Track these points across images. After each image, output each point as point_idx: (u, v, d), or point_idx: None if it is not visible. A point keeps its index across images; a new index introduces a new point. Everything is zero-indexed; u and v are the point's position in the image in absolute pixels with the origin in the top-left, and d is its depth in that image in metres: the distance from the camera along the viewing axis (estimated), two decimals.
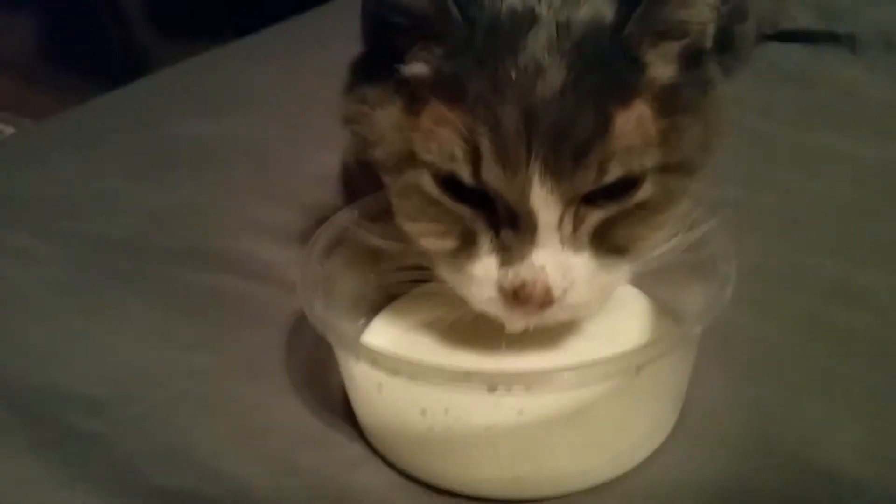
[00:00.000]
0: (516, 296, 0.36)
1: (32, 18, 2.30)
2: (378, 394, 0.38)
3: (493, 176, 0.35)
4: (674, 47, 0.38)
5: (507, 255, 0.36)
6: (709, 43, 0.40)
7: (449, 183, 0.37)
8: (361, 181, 0.56)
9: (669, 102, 0.37)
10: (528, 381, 0.34)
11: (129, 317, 0.52)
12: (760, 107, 0.73)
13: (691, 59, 0.39)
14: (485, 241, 0.37)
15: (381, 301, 0.47)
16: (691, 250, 0.41)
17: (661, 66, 0.37)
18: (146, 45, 2.44)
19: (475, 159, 0.35)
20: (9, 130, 1.95)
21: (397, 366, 0.34)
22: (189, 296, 0.53)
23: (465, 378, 0.33)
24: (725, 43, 0.78)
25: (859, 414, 0.41)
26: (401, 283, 0.46)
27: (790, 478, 0.38)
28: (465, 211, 0.37)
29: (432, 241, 0.39)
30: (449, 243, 0.38)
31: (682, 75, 0.38)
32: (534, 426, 0.36)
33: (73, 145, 0.78)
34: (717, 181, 0.58)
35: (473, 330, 0.41)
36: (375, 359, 0.34)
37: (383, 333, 0.44)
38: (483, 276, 0.37)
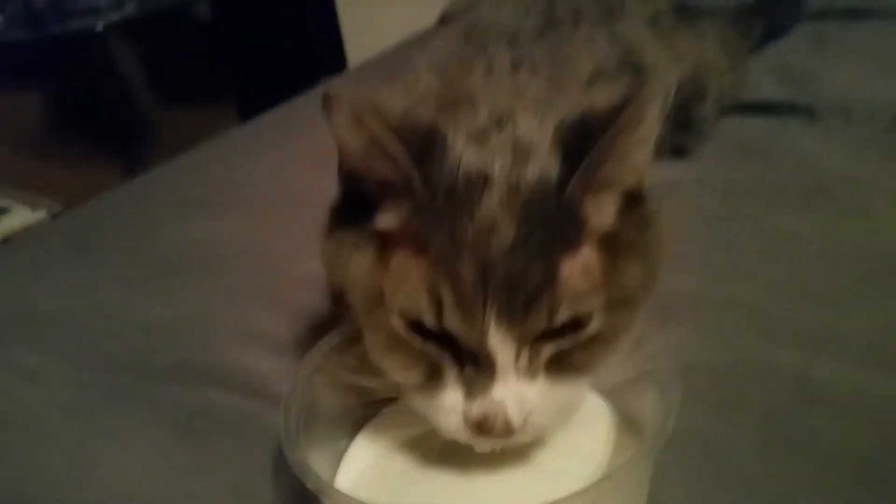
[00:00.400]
0: (480, 427, 0.40)
1: (39, 94, 2.37)
2: None
3: (454, 322, 0.39)
4: (613, 196, 0.42)
5: (471, 389, 0.40)
6: (647, 182, 0.44)
7: (416, 324, 0.41)
8: None
9: (612, 246, 0.41)
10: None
11: (131, 439, 0.55)
12: (722, 187, 0.77)
13: (631, 200, 0.43)
14: (450, 376, 0.41)
15: (364, 416, 0.50)
16: (643, 360, 0.44)
17: (602, 216, 0.41)
18: (149, 115, 2.51)
19: (438, 307, 0.39)
20: (19, 208, 2.01)
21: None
22: (186, 415, 0.56)
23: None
24: (685, 124, 0.83)
25: None
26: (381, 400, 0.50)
27: None
28: (431, 349, 0.41)
29: (402, 374, 0.43)
30: (417, 377, 0.42)
31: (623, 218, 0.42)
32: None
33: (74, 252, 0.82)
34: (677, 272, 0.62)
35: (449, 443, 0.44)
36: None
37: (363, 456, 0.47)
38: (450, 408, 0.41)
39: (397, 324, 0.41)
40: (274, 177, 0.94)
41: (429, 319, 0.40)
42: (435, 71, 0.66)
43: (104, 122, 2.32)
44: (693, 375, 0.51)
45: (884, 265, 0.63)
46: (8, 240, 1.77)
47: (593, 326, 0.41)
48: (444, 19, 1.47)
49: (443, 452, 0.45)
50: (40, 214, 1.97)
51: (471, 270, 0.38)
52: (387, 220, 0.42)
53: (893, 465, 0.46)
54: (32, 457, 0.55)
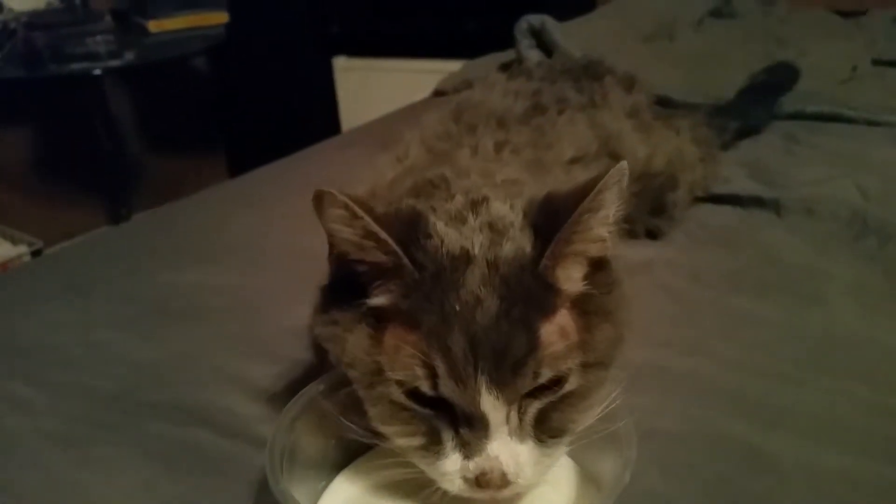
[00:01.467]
0: (478, 482, 0.44)
1: (30, 132, 2.40)
2: None
3: (448, 389, 0.43)
4: (581, 265, 0.47)
5: (468, 449, 0.44)
6: (610, 251, 0.49)
7: (413, 393, 0.45)
8: None
9: (582, 308, 0.46)
10: None
11: (115, 470, 0.57)
12: (689, 270, 0.82)
13: (597, 267, 0.48)
14: (448, 440, 0.45)
15: (342, 461, 0.53)
16: (604, 424, 0.48)
17: (572, 282, 0.46)
18: (137, 159, 2.55)
19: (433, 377, 0.43)
20: (5, 244, 2.02)
21: None
22: (170, 450, 0.59)
23: None
24: (658, 209, 0.88)
25: None
26: (358, 448, 0.53)
27: None
28: (429, 414, 0.45)
29: (403, 440, 0.46)
30: (417, 441, 0.46)
31: (591, 283, 0.47)
32: None
33: (63, 288, 0.85)
34: (644, 345, 0.66)
35: (423, 488, 0.48)
36: None
37: (340, 496, 0.50)
38: (451, 471, 0.45)
39: (396, 394, 0.45)
40: (263, 231, 0.98)
41: (425, 388, 0.44)
42: (424, 145, 0.71)
43: (92, 165, 2.35)
44: (652, 440, 0.55)
45: (834, 349, 0.68)
46: None
47: (571, 383, 0.45)
48: (438, 94, 1.55)
49: (415, 495, 0.48)
50: (21, 249, 1.98)
51: (461, 341, 0.42)
52: (379, 299, 0.46)
53: None
54: (16, 484, 0.57)
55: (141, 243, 0.99)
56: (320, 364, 0.58)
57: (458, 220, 0.48)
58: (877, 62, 1.54)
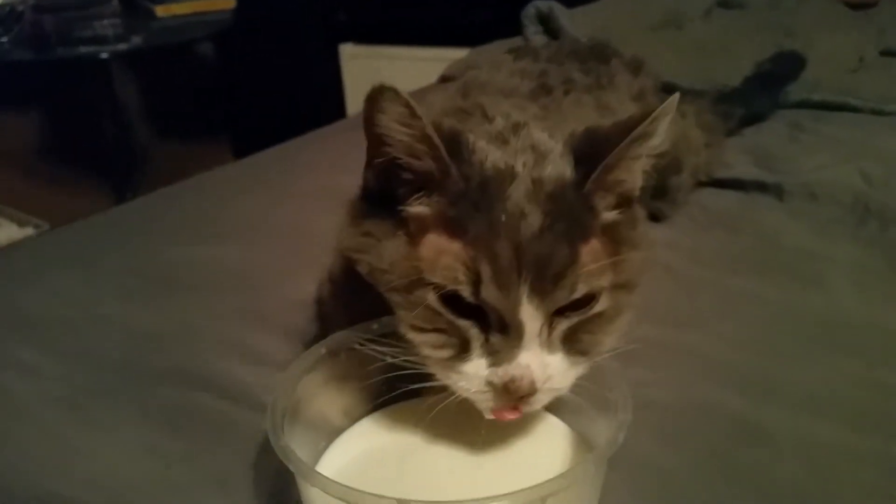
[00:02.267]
0: (506, 388, 0.45)
1: (37, 115, 2.42)
2: None
3: (492, 295, 0.44)
4: (613, 197, 0.48)
5: (498, 357, 0.45)
6: (638, 192, 0.50)
7: (449, 299, 0.45)
8: (333, 311, 0.64)
9: (613, 236, 0.48)
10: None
11: (120, 432, 0.58)
12: (690, 251, 0.83)
13: (625, 203, 0.50)
14: (476, 346, 0.46)
15: (343, 425, 0.54)
16: (600, 391, 0.49)
17: (606, 212, 0.48)
18: (143, 144, 2.56)
19: (476, 282, 0.44)
20: (9, 225, 2.03)
21: (342, 493, 0.41)
22: (173, 414, 0.60)
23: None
24: (661, 192, 0.88)
25: None
26: (360, 409, 0.54)
27: None
28: (462, 322, 0.46)
29: (432, 348, 0.47)
30: (447, 351, 0.47)
31: (619, 215, 0.49)
32: None
33: (73, 263, 0.86)
34: (643, 321, 0.67)
35: (420, 455, 0.49)
36: (326, 486, 0.41)
37: (340, 456, 0.51)
38: (473, 374, 0.46)
39: (433, 299, 0.46)
40: (267, 210, 0.99)
41: (467, 292, 0.45)
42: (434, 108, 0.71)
43: (99, 148, 2.37)
44: (647, 411, 0.56)
45: (830, 330, 0.69)
46: None
47: (601, 304, 0.47)
48: (444, 80, 1.55)
49: (417, 454, 0.50)
50: (27, 231, 1.99)
51: (506, 249, 0.44)
52: (420, 208, 0.47)
53: (825, 500, 0.51)
54: (23, 444, 0.58)
55: (146, 220, 1.00)
56: (324, 334, 0.59)
57: (500, 139, 0.50)
58: (885, 53, 1.54)
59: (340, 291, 0.61)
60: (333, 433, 0.53)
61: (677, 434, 0.56)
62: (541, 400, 0.47)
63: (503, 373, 0.45)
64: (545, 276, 0.44)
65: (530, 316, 0.44)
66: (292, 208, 0.97)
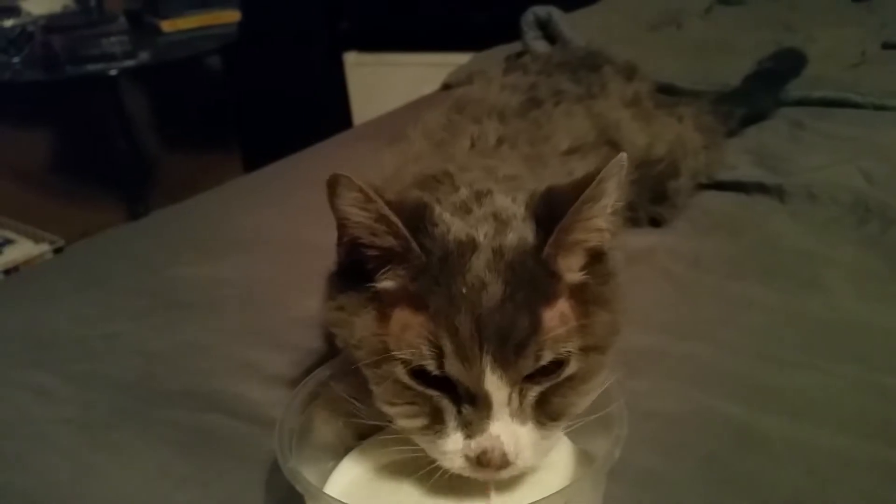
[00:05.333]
0: (479, 461, 0.46)
1: (49, 133, 2.44)
2: None
3: (454, 368, 0.45)
4: (580, 255, 0.49)
5: (470, 429, 0.46)
6: (608, 244, 0.50)
7: (418, 373, 0.46)
8: None
9: (581, 297, 0.48)
10: None
11: (131, 454, 0.60)
12: (690, 256, 0.84)
13: (595, 258, 0.50)
14: (450, 419, 0.47)
15: (351, 443, 0.55)
16: (600, 407, 0.50)
17: (572, 272, 0.48)
18: (153, 157, 2.59)
19: (439, 356, 0.45)
20: (20, 239, 2.06)
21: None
22: (184, 435, 0.61)
23: None
24: (660, 197, 0.89)
25: None
26: (368, 428, 0.55)
27: None
28: (432, 393, 0.47)
29: (406, 420, 0.48)
30: (420, 421, 0.48)
31: (589, 273, 0.49)
32: None
33: (84, 283, 0.88)
34: (643, 331, 0.68)
35: (428, 469, 0.49)
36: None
37: (348, 476, 0.52)
38: (452, 450, 0.47)
39: (401, 373, 0.47)
40: (274, 226, 1.01)
41: (431, 366, 0.45)
42: (427, 137, 0.72)
43: (110, 164, 2.39)
44: (648, 422, 0.57)
45: (832, 333, 0.69)
46: (10, 270, 1.83)
47: (571, 367, 0.47)
48: (446, 87, 1.56)
49: (421, 472, 0.50)
50: (43, 247, 2.02)
51: (467, 322, 0.44)
52: (386, 283, 0.48)
53: None
54: (38, 466, 0.59)
55: (155, 239, 1.02)
56: (331, 352, 0.60)
57: (464, 209, 0.50)
58: (887, 46, 1.53)
59: None
60: (341, 453, 0.54)
61: (677, 443, 0.57)
62: (515, 471, 0.47)
63: (476, 445, 0.46)
64: (507, 346, 0.44)
65: (496, 387, 0.45)
66: (297, 223, 0.98)
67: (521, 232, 0.48)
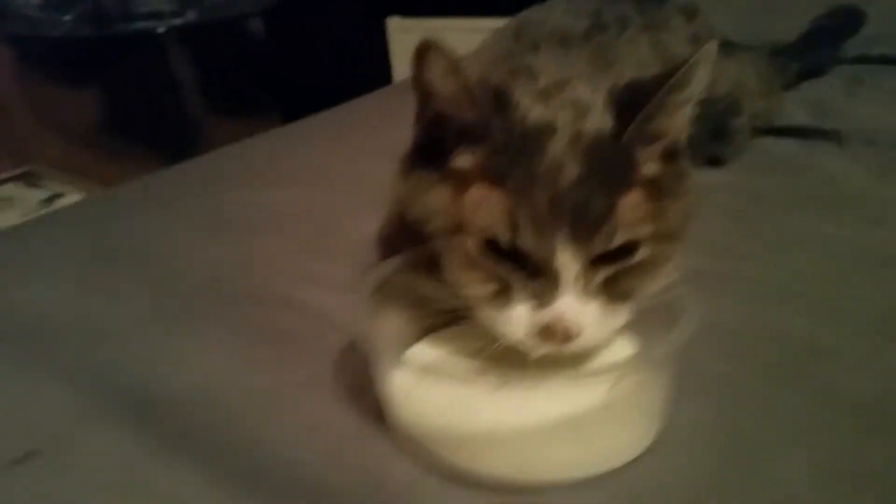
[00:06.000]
0: (543, 334, 0.46)
1: (98, 90, 2.48)
2: (407, 398, 0.48)
3: (527, 242, 0.46)
4: (657, 148, 0.49)
5: (536, 302, 0.47)
6: (683, 143, 0.51)
7: (489, 246, 0.47)
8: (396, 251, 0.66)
9: (656, 189, 0.48)
10: (526, 382, 0.45)
11: (207, 342, 0.62)
12: (751, 193, 0.83)
13: (670, 156, 0.50)
14: (518, 292, 0.47)
15: (417, 339, 0.56)
16: (669, 310, 0.49)
17: (648, 164, 0.48)
18: (198, 119, 2.61)
19: (514, 228, 0.46)
20: (73, 193, 2.10)
21: (423, 367, 0.45)
22: (255, 328, 0.63)
23: (475, 379, 0.43)
24: (721, 135, 0.89)
25: (815, 447, 0.49)
26: (435, 323, 0.56)
27: (747, 488, 0.46)
28: (501, 267, 0.48)
29: (475, 290, 0.49)
30: (488, 292, 0.48)
31: (663, 169, 0.49)
32: (533, 423, 0.45)
33: (152, 205, 0.91)
34: (708, 254, 0.68)
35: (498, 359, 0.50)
36: (405, 362, 0.44)
37: (423, 356, 0.53)
38: (516, 318, 0.47)
39: (473, 245, 0.48)
40: (323, 161, 1.02)
41: (505, 240, 0.46)
42: (483, 64, 0.72)
43: (155, 121, 2.42)
44: (713, 334, 0.57)
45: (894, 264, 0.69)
46: None
47: (641, 253, 0.48)
48: None
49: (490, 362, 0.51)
50: None
51: (543, 198, 0.45)
52: (464, 160, 0.49)
53: (892, 411, 0.52)
54: (122, 356, 0.61)
55: (217, 171, 1.04)
56: None
57: (543, 96, 0.50)
58: None
59: (402, 232, 0.63)
60: (402, 350, 0.55)
61: (743, 353, 0.57)
62: (581, 345, 0.48)
63: (541, 318, 0.46)
64: (581, 224, 0.45)
65: (566, 263, 0.46)
66: (347, 160, 1.00)
67: (601, 119, 0.48)
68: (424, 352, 0.54)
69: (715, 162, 0.91)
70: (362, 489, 0.46)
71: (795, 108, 1.08)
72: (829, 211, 0.79)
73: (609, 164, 0.47)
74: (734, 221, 0.78)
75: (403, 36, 2.61)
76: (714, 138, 0.89)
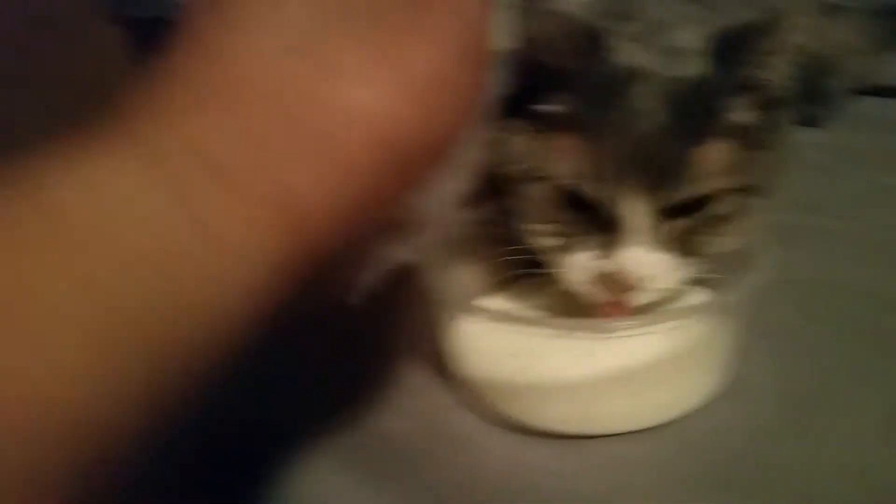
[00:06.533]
0: (605, 282, 0.47)
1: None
2: (472, 345, 0.49)
3: (597, 190, 0.46)
4: (750, 98, 0.47)
5: (603, 250, 0.47)
6: (782, 94, 0.49)
7: (563, 193, 0.48)
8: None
9: (746, 140, 0.47)
10: (594, 328, 0.45)
11: None
12: (842, 151, 0.81)
13: (768, 106, 0.48)
14: (586, 239, 0.48)
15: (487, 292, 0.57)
16: (742, 261, 0.49)
17: (741, 113, 0.47)
18: None
19: (585, 176, 0.46)
20: None
21: (488, 315, 0.46)
22: None
23: (543, 324, 0.44)
24: (815, 95, 0.86)
25: (885, 400, 0.48)
26: (505, 277, 0.57)
27: (816, 442, 0.45)
28: (571, 214, 0.48)
29: (545, 237, 0.50)
30: (557, 240, 0.49)
31: (759, 119, 0.48)
32: (599, 370, 0.46)
33: None
34: (789, 208, 0.66)
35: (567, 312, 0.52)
36: (471, 309, 0.46)
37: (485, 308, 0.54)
38: (579, 265, 0.48)
39: (546, 192, 0.48)
40: None
41: (575, 185, 0.46)
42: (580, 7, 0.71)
43: None
44: (787, 287, 0.56)
45: None
46: None
47: (719, 206, 0.47)
48: None
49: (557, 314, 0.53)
50: None
51: (618, 147, 0.45)
52: (549, 107, 0.48)
53: None
54: None
55: None
56: None
57: (637, 39, 0.49)
58: None
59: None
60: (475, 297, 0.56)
61: (818, 307, 0.57)
62: (645, 297, 0.47)
63: (605, 265, 0.46)
64: (654, 174, 0.44)
65: (635, 213, 0.45)
66: None
67: (693, 65, 0.47)
68: (491, 303, 0.55)
69: (810, 122, 0.88)
70: (423, 440, 0.48)
71: None
72: None
73: (695, 112, 0.45)
74: (820, 177, 0.76)
75: None
76: (808, 98, 0.86)
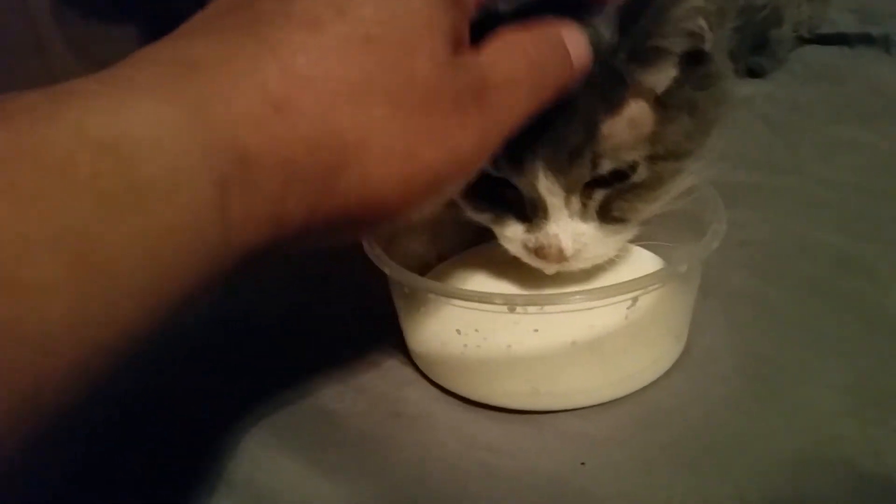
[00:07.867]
0: (538, 254, 0.46)
1: (134, 27, 2.48)
2: (421, 319, 0.47)
3: (507, 172, 0.44)
4: (667, 59, 0.44)
5: (531, 225, 0.46)
6: (708, 45, 0.45)
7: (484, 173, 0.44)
8: None
9: (666, 100, 0.44)
10: (541, 301, 0.44)
11: None
12: (789, 102, 0.80)
13: (692, 60, 0.45)
14: (513, 213, 0.46)
15: (433, 263, 0.55)
16: (692, 219, 0.48)
17: (656, 75, 0.44)
18: None
19: (496, 160, 0.43)
20: None
21: (435, 289, 0.44)
22: None
23: (488, 298, 0.42)
24: (761, 45, 0.85)
25: (847, 365, 0.46)
26: (452, 249, 0.55)
27: (778, 411, 0.44)
28: (500, 191, 0.46)
29: (475, 213, 0.48)
30: (486, 216, 0.48)
31: (683, 76, 0.44)
32: (548, 344, 0.44)
33: None
34: (739, 167, 0.65)
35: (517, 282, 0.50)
36: (418, 284, 0.44)
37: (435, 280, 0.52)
38: (511, 237, 0.47)
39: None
40: None
41: (489, 169, 0.44)
42: None
43: None
44: (743, 248, 0.55)
45: None
46: None
47: (639, 175, 0.45)
48: None
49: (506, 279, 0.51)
50: None
51: (525, 127, 0.39)
52: None
53: None
54: None
55: None
56: None
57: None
58: None
59: None
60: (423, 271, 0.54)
61: (775, 268, 0.55)
62: (578, 265, 0.47)
63: (535, 240, 0.45)
64: (560, 153, 0.42)
65: (550, 192, 0.44)
66: None
67: (598, 35, 0.42)
68: (443, 276, 0.53)
69: (756, 73, 0.87)
70: (376, 415, 0.47)
71: (842, 15, 1.02)
72: (872, 120, 0.76)
73: (600, 84, 0.42)
74: (771, 133, 0.75)
75: None
76: (754, 49, 0.85)
